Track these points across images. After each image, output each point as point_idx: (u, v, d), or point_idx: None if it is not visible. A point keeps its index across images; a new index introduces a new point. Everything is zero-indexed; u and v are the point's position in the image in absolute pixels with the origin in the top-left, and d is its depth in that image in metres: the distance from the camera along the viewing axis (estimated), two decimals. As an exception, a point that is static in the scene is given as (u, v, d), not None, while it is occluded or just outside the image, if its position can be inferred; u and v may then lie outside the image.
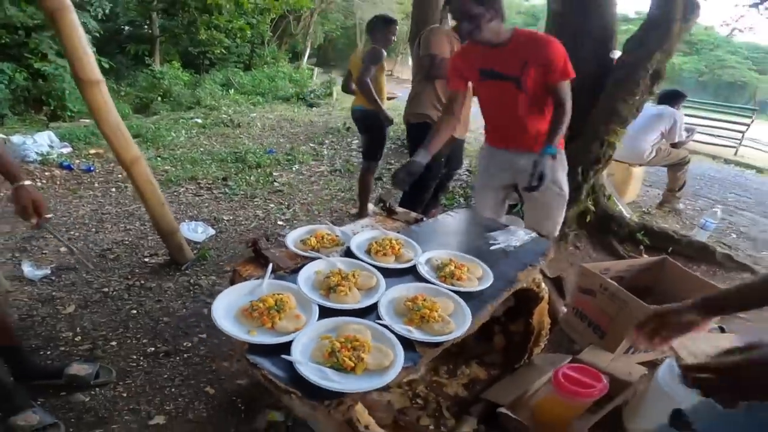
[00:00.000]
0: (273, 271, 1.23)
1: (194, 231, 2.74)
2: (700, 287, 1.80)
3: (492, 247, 1.45)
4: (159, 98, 8.58)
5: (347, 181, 4.24)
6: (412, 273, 1.29)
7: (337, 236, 1.49)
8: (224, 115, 7.14)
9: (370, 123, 3.12)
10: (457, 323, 1.09)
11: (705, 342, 1.41)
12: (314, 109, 8.88)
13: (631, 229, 3.07)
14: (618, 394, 1.47)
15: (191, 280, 2.27)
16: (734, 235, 3.74)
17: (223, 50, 11.69)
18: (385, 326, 1.03)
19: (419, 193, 2.59)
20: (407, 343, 1.00)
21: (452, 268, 1.27)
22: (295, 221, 3.15)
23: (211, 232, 2.82)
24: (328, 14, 19.51)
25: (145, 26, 11.47)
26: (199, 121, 6.61)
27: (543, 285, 1.46)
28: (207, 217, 3.10)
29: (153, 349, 1.76)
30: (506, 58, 1.67)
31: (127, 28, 11.94)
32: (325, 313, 1.07)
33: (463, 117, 2.49)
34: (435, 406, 1.42)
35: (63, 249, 2.49)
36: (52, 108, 7.01)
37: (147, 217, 2.98)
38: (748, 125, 8.55)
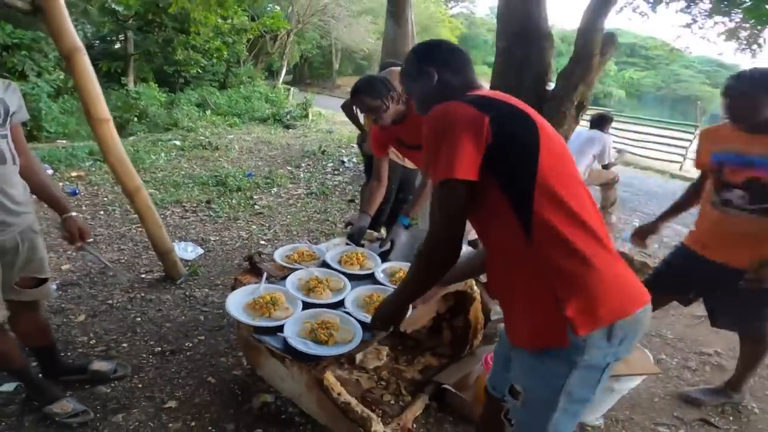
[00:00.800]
0: (267, 279, 1.70)
1: (185, 250, 3.13)
2: None
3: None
4: (135, 119, 8.84)
5: (322, 203, 4.69)
6: (371, 278, 1.78)
7: (314, 252, 1.98)
8: (202, 137, 7.49)
9: None
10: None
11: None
12: (291, 130, 9.30)
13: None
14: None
15: (186, 293, 2.67)
16: (657, 245, 4.41)
17: (199, 69, 12.05)
18: (349, 314, 1.51)
19: (376, 218, 3.05)
20: (365, 326, 1.47)
21: (401, 274, 1.77)
22: (276, 241, 3.58)
23: (200, 251, 3.21)
24: (305, 34, 20.17)
25: (118, 43, 11.70)
26: (178, 143, 6.96)
27: (475, 287, 1.97)
28: (195, 238, 3.48)
29: (159, 349, 2.13)
30: (408, 129, 1.95)
31: (97, 43, 12.10)
32: (306, 306, 1.54)
33: None
34: (395, 387, 1.87)
35: (65, 267, 2.85)
36: (28, 128, 7.22)
37: (138, 238, 3.38)
38: (691, 141, 9.51)
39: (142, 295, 2.60)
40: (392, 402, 1.74)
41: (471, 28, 33.79)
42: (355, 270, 1.81)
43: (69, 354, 2.07)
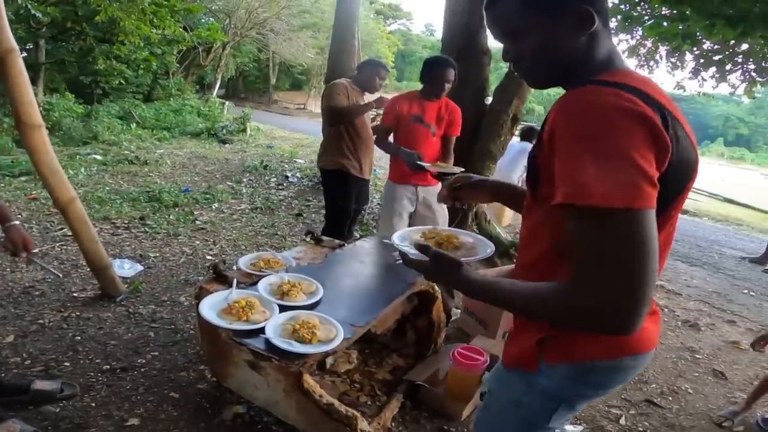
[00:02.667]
0: (237, 284, 1.73)
1: (122, 267, 3.02)
2: None
3: (397, 261, 2.10)
4: (47, 131, 8.24)
5: (269, 218, 4.70)
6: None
7: (279, 259, 2.04)
8: (127, 152, 7.18)
9: None
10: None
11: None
12: (227, 145, 9.17)
13: (506, 246, 4.02)
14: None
15: (130, 310, 2.57)
16: None
17: (121, 80, 11.54)
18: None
19: (336, 229, 3.11)
20: (343, 326, 1.56)
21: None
22: (223, 255, 3.53)
23: (139, 268, 3.11)
24: (241, 46, 20.05)
25: (25, 52, 10.96)
26: (99, 157, 6.60)
27: (436, 287, 2.13)
28: (131, 255, 3.35)
29: (108, 366, 2.05)
30: (432, 112, 2.62)
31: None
32: (282, 309, 1.60)
33: (368, 161, 3.12)
34: (369, 388, 1.96)
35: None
36: None
37: (64, 257, 3.20)
38: None
39: (78, 314, 2.48)
40: (369, 403, 1.82)
41: (407, 44, 35.59)
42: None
43: (2, 375, 1.93)
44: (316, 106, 24.07)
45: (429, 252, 0.89)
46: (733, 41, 4.23)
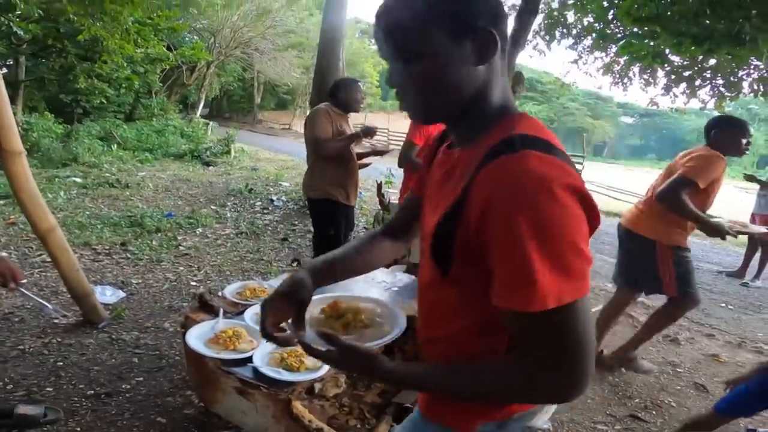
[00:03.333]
0: (223, 314, 1.78)
1: (104, 294, 3.04)
2: None
3: (385, 289, 2.16)
4: (25, 152, 8.17)
5: (254, 243, 4.71)
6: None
7: (266, 288, 2.09)
8: (108, 174, 7.16)
9: None
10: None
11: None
12: (211, 168, 9.19)
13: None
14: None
15: (113, 336, 2.60)
16: None
17: (103, 99, 11.52)
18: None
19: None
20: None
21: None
22: (208, 281, 3.55)
23: (122, 294, 3.13)
24: (226, 66, 20.22)
25: (6, 66, 10.91)
26: (79, 180, 6.58)
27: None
28: (113, 281, 3.36)
29: (92, 392, 2.08)
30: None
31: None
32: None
33: (354, 187, 3.11)
34: (359, 411, 1.99)
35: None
36: None
37: (44, 283, 3.21)
38: (580, 171, 11.23)
39: (59, 340, 2.50)
40: (358, 426, 1.85)
41: (392, 64, 36.16)
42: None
43: (-17, 400, 1.94)
44: (301, 126, 24.07)
45: (337, 344, 0.74)
46: (701, 57, 4.46)
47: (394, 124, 19.68)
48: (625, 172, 27.51)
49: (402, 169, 3.32)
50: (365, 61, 27.04)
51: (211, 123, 14.77)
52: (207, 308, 1.89)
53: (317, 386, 2.05)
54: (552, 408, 0.99)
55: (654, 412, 2.49)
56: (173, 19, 10.84)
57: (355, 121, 3.47)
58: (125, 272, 3.58)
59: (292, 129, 25.21)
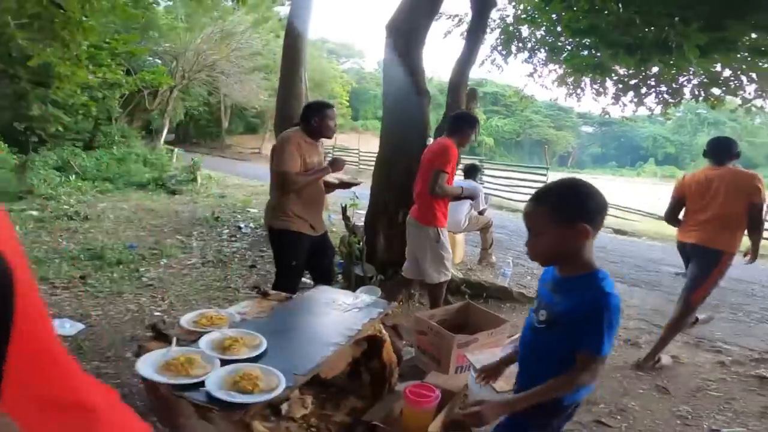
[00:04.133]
0: (177, 342, 1.81)
1: (62, 326, 3.05)
2: (493, 319, 2.83)
3: (344, 311, 2.23)
4: (-24, 185, 7.93)
5: (222, 271, 4.71)
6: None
7: (224, 315, 2.13)
8: (66, 206, 7.03)
9: None
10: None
11: (489, 357, 2.36)
12: (177, 196, 9.08)
13: (457, 283, 4.24)
14: (449, 400, 2.29)
15: None
16: (529, 277, 5.31)
17: (59, 127, 11.27)
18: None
19: (288, 288, 3.01)
20: (287, 375, 1.66)
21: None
22: (172, 311, 3.54)
23: (81, 326, 3.13)
24: (190, 90, 20.09)
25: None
26: (35, 213, 6.44)
27: (383, 331, 2.27)
28: (72, 314, 3.35)
29: None
30: None
31: None
32: (224, 363, 1.69)
33: (320, 217, 3.08)
34: (327, 431, 2.04)
35: None
36: None
37: None
38: (544, 182, 11.65)
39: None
40: None
41: (361, 83, 36.78)
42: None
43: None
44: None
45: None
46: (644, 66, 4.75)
47: (364, 144, 19.94)
48: (590, 181, 28.44)
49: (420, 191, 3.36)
50: (334, 81, 27.40)
51: (176, 149, 14.61)
52: (162, 337, 1.92)
53: (284, 408, 2.09)
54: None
55: (619, 417, 2.58)
56: (132, 43, 10.78)
57: (326, 142, 3.47)
58: (84, 305, 3.56)
59: (261, 153, 25.14)
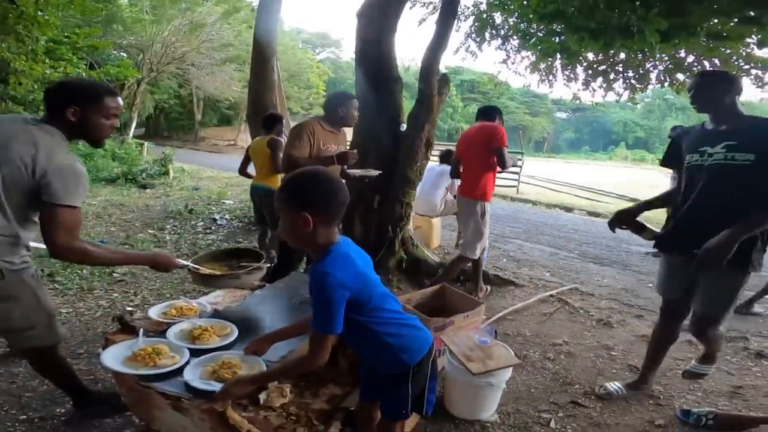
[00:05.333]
0: (144, 333, 1.78)
1: None
2: (469, 302, 2.85)
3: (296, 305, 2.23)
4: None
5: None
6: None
7: (194, 306, 2.10)
8: (32, 204, 6.77)
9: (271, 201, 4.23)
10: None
11: (465, 340, 2.40)
12: (148, 190, 8.88)
13: (434, 267, 4.28)
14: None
15: None
16: (505, 260, 5.42)
17: (21, 125, 10.82)
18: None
19: (287, 266, 3.22)
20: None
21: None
22: (145, 305, 3.45)
23: None
24: (159, 83, 19.58)
25: None
26: None
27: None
28: (41, 313, 3.25)
29: (25, 416, 2.10)
30: None
31: None
32: (194, 353, 1.67)
33: None
34: (306, 419, 2.02)
35: None
36: None
37: None
38: (520, 167, 12.09)
39: (-14, 370, 2.42)
40: None
41: (337, 72, 36.39)
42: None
43: None
44: (247, 141, 23.64)
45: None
46: (612, 51, 4.80)
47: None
48: (565, 166, 29.13)
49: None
50: (310, 71, 27.04)
51: (146, 143, 14.21)
52: (129, 329, 1.89)
53: (262, 397, 2.08)
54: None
55: (593, 397, 2.62)
56: (94, 37, 10.40)
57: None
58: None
59: (237, 145, 24.70)
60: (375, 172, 3.33)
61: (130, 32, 15.34)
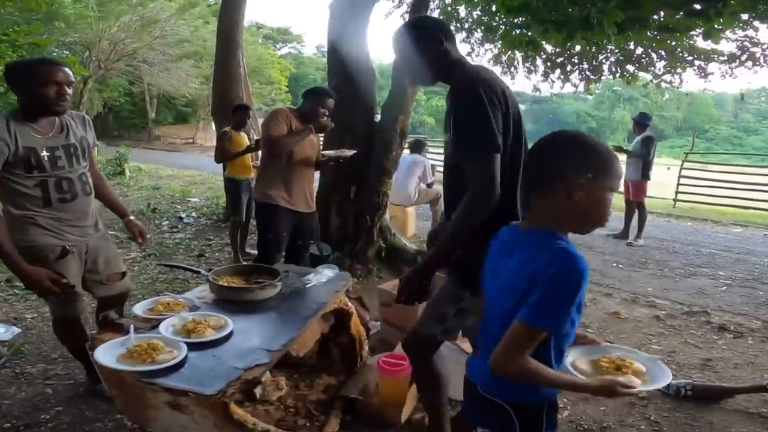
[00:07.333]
0: (135, 330, 1.69)
1: None
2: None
3: (307, 285, 2.19)
4: None
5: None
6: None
7: (181, 301, 2.02)
8: (-23, 209, 6.30)
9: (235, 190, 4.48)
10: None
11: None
12: (105, 191, 8.49)
13: (412, 255, 4.34)
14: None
15: (16, 371, 2.50)
16: None
17: (-42, 126, 10.01)
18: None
19: (265, 261, 3.01)
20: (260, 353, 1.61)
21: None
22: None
23: (17, 330, 2.95)
24: (108, 80, 18.61)
25: None
26: (-60, 218, 5.71)
27: (350, 303, 2.27)
28: (4, 319, 3.13)
29: (8, 425, 2.02)
30: None
31: None
32: (191, 347, 1.60)
33: (304, 192, 3.04)
34: (305, 411, 2.01)
35: None
36: None
37: None
38: None
39: (-43, 381, 2.26)
40: (308, 425, 1.87)
41: (300, 68, 35.73)
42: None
43: None
44: (206, 139, 22.92)
45: None
46: (569, 44, 4.98)
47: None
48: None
49: None
50: (271, 66, 26.42)
51: (98, 143, 13.48)
52: (115, 328, 1.79)
53: (258, 391, 2.03)
54: None
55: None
56: (35, 34, 9.72)
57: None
58: (16, 308, 3.31)
59: (196, 143, 23.88)
60: (350, 152, 3.27)
61: (74, 29, 14.41)
